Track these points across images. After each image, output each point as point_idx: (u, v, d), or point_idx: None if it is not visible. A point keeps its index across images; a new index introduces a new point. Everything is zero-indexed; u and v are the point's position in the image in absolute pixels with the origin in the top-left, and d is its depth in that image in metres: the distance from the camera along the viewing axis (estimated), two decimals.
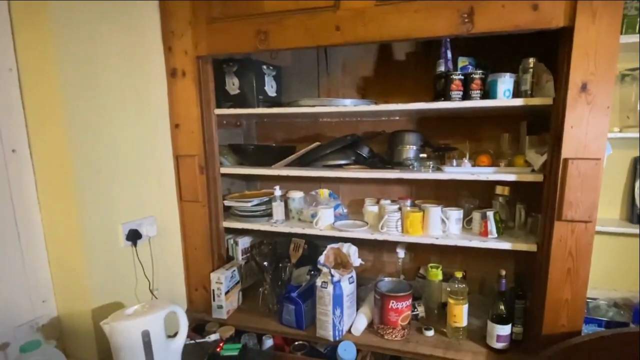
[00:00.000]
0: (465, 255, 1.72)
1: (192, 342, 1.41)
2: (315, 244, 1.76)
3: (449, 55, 1.44)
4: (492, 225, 1.39)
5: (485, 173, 1.37)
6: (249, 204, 1.68)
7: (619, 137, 1.38)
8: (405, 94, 1.65)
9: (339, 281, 1.41)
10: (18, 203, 1.17)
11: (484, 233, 1.41)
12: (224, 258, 1.75)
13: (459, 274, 1.42)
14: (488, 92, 1.34)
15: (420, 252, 1.81)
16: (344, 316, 1.44)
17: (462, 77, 1.34)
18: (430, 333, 1.45)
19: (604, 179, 1.17)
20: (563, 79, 1.16)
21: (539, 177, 1.29)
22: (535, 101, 1.25)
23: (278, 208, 1.66)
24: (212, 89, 1.58)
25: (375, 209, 1.64)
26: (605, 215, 1.55)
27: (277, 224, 1.66)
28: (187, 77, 1.51)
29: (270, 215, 1.70)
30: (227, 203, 1.72)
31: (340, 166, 1.64)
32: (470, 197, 1.58)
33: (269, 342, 1.55)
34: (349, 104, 1.50)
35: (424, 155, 1.56)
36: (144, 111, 1.46)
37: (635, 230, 1.45)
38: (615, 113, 1.43)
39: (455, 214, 1.46)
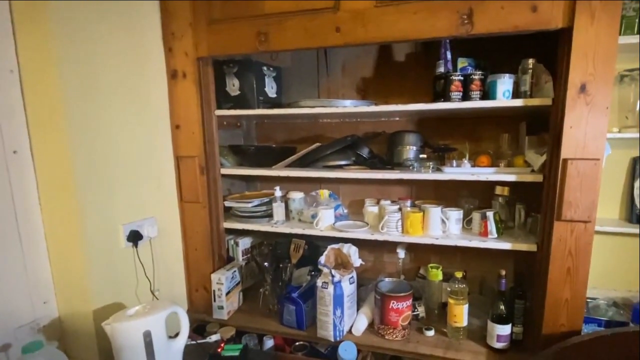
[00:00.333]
0: (465, 255, 1.73)
1: (193, 342, 1.41)
2: (315, 245, 1.76)
3: (449, 56, 1.44)
4: (491, 226, 1.40)
5: (485, 173, 1.37)
6: (250, 205, 1.69)
7: (618, 137, 1.38)
8: (405, 95, 1.65)
9: (339, 281, 1.41)
10: (19, 204, 1.17)
11: (484, 233, 1.42)
12: (224, 259, 1.75)
13: (459, 274, 1.43)
14: (487, 92, 1.34)
15: (421, 253, 1.81)
16: (344, 316, 1.44)
17: (462, 78, 1.34)
18: (431, 333, 1.45)
19: (603, 179, 1.18)
20: (562, 79, 1.17)
21: (538, 178, 1.30)
22: (535, 102, 1.26)
23: (278, 209, 1.67)
24: (212, 90, 1.59)
25: (375, 209, 1.64)
26: (605, 215, 1.56)
27: (278, 225, 1.66)
28: (188, 78, 1.52)
29: (270, 216, 1.70)
30: (227, 204, 1.72)
31: (340, 167, 1.65)
32: (470, 197, 1.59)
33: (269, 343, 1.56)
34: (349, 105, 1.51)
35: (424, 155, 1.56)
36: (145, 112, 1.46)
37: (634, 230, 1.46)
38: (614, 113, 1.44)
39: (455, 214, 1.47)
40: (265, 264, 1.66)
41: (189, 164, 1.59)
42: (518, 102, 1.28)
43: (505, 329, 1.34)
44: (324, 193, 1.77)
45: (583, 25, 1.10)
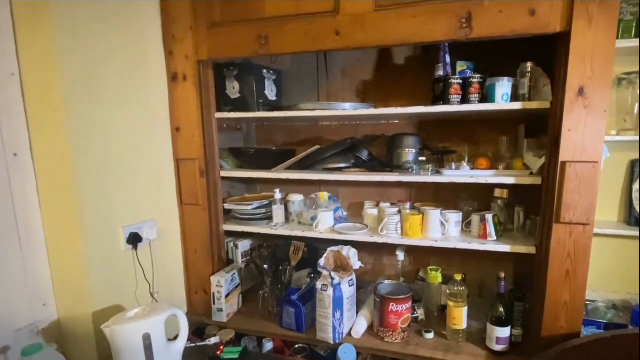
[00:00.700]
0: (464, 257, 1.73)
1: (193, 345, 1.41)
2: (315, 247, 1.76)
3: (448, 59, 1.45)
4: (491, 228, 1.40)
5: (484, 176, 1.38)
6: (249, 207, 1.69)
7: (616, 140, 1.39)
8: (405, 98, 1.66)
9: (339, 284, 1.42)
10: (19, 206, 1.18)
11: (483, 236, 1.42)
12: (224, 261, 1.75)
13: (458, 277, 1.43)
14: (486, 95, 1.35)
15: (420, 255, 1.82)
16: (344, 319, 1.44)
17: (461, 81, 1.35)
18: (430, 336, 1.45)
19: (601, 181, 1.18)
20: (560, 83, 1.18)
21: (537, 180, 1.30)
22: (533, 105, 1.27)
23: (278, 211, 1.67)
24: (212, 93, 1.60)
25: (374, 211, 1.65)
26: (603, 218, 1.56)
27: (277, 227, 1.66)
28: (188, 81, 1.52)
29: (270, 218, 1.70)
30: (227, 206, 1.72)
31: (340, 169, 1.65)
32: (469, 199, 1.59)
33: (269, 345, 1.55)
34: (348, 108, 1.51)
35: (423, 158, 1.57)
36: (145, 115, 1.47)
37: (632, 233, 1.46)
38: (612, 116, 1.44)
39: (454, 217, 1.47)
40: (265, 266, 1.66)
41: (189, 166, 1.59)
42: (517, 105, 1.29)
43: (504, 332, 1.34)
44: (324, 195, 1.77)
45: (581, 29, 1.11)
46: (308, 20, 1.35)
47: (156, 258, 1.52)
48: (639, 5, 1.30)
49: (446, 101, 1.36)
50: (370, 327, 1.51)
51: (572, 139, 1.17)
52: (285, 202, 1.72)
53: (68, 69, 1.17)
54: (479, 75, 1.34)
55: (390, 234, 1.51)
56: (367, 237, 1.53)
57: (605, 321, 1.43)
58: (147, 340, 1.13)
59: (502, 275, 1.36)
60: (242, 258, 1.84)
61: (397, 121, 1.77)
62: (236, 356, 1.30)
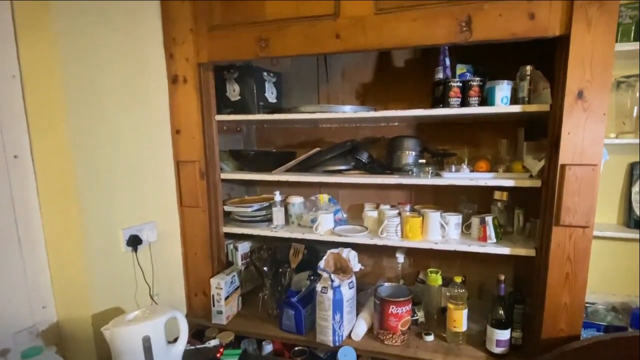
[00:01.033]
0: (464, 260, 1.73)
1: (192, 347, 1.41)
2: (315, 249, 1.76)
3: (448, 62, 1.46)
4: (490, 230, 1.40)
5: (484, 178, 1.38)
6: (249, 209, 1.69)
7: (616, 143, 1.39)
8: (404, 101, 1.67)
9: (338, 286, 1.41)
10: (19, 208, 1.18)
11: (483, 238, 1.42)
12: (223, 263, 1.75)
13: (458, 279, 1.43)
14: (486, 98, 1.36)
15: (420, 257, 1.82)
16: (343, 321, 1.44)
17: (461, 84, 1.35)
18: (430, 338, 1.45)
19: (601, 184, 1.18)
20: (560, 86, 1.18)
21: (536, 183, 1.30)
22: (533, 108, 1.27)
23: (278, 213, 1.67)
24: (213, 95, 1.60)
25: (374, 214, 1.65)
26: (603, 220, 1.56)
27: (277, 229, 1.66)
28: (189, 83, 1.53)
29: (270, 220, 1.70)
30: (227, 208, 1.72)
31: (340, 171, 1.65)
32: (469, 202, 1.60)
33: (268, 348, 1.55)
34: (348, 111, 1.52)
35: (423, 160, 1.57)
36: (145, 117, 1.47)
37: (632, 235, 1.46)
38: (611, 119, 1.45)
39: (454, 219, 1.47)
40: (265, 268, 1.66)
41: (189, 168, 1.59)
42: (516, 108, 1.29)
43: (504, 334, 1.34)
44: (324, 197, 1.77)
45: (580, 32, 1.12)
46: (308, 23, 1.35)
47: (156, 260, 1.52)
48: (637, 9, 1.30)
49: (446, 104, 1.37)
50: (370, 330, 1.51)
51: (571, 141, 1.17)
52: (285, 204, 1.72)
53: (69, 71, 1.17)
54: (478, 78, 1.35)
55: (390, 236, 1.51)
56: (367, 239, 1.53)
57: (604, 323, 1.43)
58: (146, 343, 1.13)
59: (502, 277, 1.36)
60: (241, 260, 1.84)
61: (397, 123, 1.77)
62: (236, 358, 1.30)
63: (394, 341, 1.43)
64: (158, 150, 1.54)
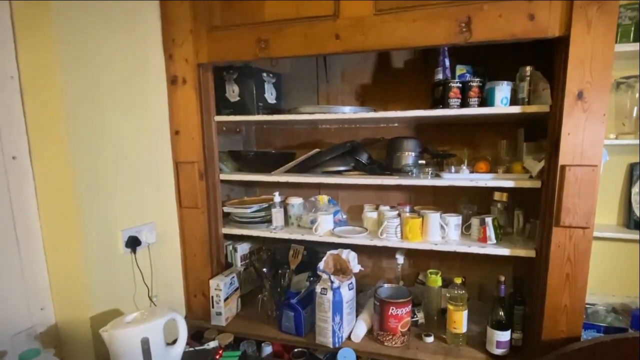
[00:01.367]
0: (464, 261, 1.73)
1: (191, 349, 1.40)
2: (314, 250, 1.76)
3: (447, 63, 1.46)
4: (490, 231, 1.40)
5: (484, 179, 1.38)
6: (248, 211, 1.68)
7: (615, 143, 1.39)
8: (404, 101, 1.67)
9: (338, 287, 1.41)
10: (18, 210, 1.17)
11: (483, 239, 1.42)
12: (223, 264, 1.74)
13: (458, 280, 1.42)
14: (486, 99, 1.36)
15: (420, 258, 1.81)
16: (343, 323, 1.44)
17: (460, 85, 1.35)
18: (430, 339, 1.45)
19: (600, 185, 1.18)
20: (559, 87, 1.18)
21: (536, 184, 1.30)
22: (532, 109, 1.27)
23: (277, 214, 1.67)
24: (212, 96, 1.59)
25: (374, 215, 1.64)
26: (603, 221, 1.56)
27: (277, 230, 1.66)
28: (188, 84, 1.52)
29: (269, 221, 1.70)
30: (226, 209, 1.72)
31: (339, 172, 1.65)
32: (469, 203, 1.59)
33: (268, 349, 1.55)
34: (348, 112, 1.51)
35: (423, 161, 1.57)
36: (145, 118, 1.46)
37: (632, 236, 1.46)
38: (610, 120, 1.45)
39: (454, 220, 1.47)
40: (264, 269, 1.66)
41: (188, 169, 1.59)
42: (516, 109, 1.29)
43: (504, 335, 1.33)
44: (323, 198, 1.77)
45: (580, 33, 1.12)
46: (308, 23, 1.35)
47: (155, 261, 1.51)
48: (637, 9, 1.30)
49: (446, 105, 1.37)
50: (370, 331, 1.51)
51: (571, 142, 1.17)
52: (284, 205, 1.72)
53: (68, 72, 1.17)
54: (478, 79, 1.35)
55: (390, 237, 1.51)
56: (367, 240, 1.53)
57: (605, 324, 1.42)
58: (145, 345, 1.13)
59: (502, 278, 1.36)
60: (241, 261, 1.83)
61: (396, 124, 1.77)
62: None
63: (393, 342, 1.42)
64: (157, 151, 1.54)
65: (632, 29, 1.30)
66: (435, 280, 1.56)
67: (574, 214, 1.19)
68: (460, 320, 1.40)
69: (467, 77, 1.45)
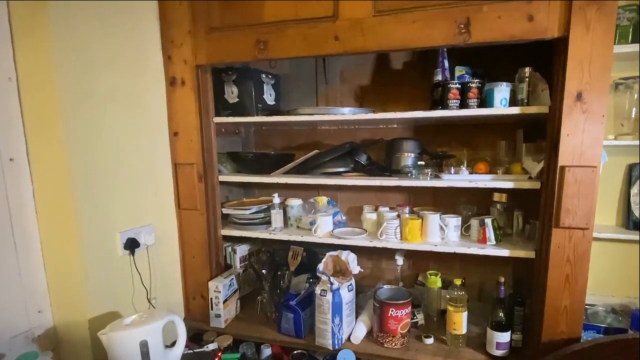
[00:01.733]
0: (464, 262, 1.73)
1: (190, 351, 1.40)
2: (313, 252, 1.75)
3: (446, 64, 1.46)
4: (490, 232, 1.40)
5: (483, 180, 1.38)
6: (248, 212, 1.68)
7: (614, 144, 1.39)
8: (403, 103, 1.66)
9: (338, 289, 1.41)
10: (15, 212, 1.16)
11: (483, 240, 1.42)
12: (222, 266, 1.74)
13: (457, 281, 1.42)
14: (485, 100, 1.36)
15: (419, 259, 1.81)
16: (343, 324, 1.43)
17: (459, 86, 1.35)
18: (430, 341, 1.45)
19: (599, 186, 1.18)
20: (558, 88, 1.18)
21: (536, 185, 1.30)
22: (532, 109, 1.27)
23: (277, 216, 1.66)
24: (211, 97, 1.59)
25: (373, 216, 1.64)
26: (602, 222, 1.56)
27: (276, 232, 1.65)
28: (187, 85, 1.52)
29: (268, 222, 1.69)
30: (225, 211, 1.71)
31: (338, 174, 1.65)
32: (468, 204, 1.59)
33: (267, 351, 1.54)
34: (347, 113, 1.51)
35: (422, 162, 1.56)
36: (143, 119, 1.46)
37: (631, 237, 1.46)
38: (609, 121, 1.45)
39: (453, 221, 1.47)
40: (263, 271, 1.65)
41: (187, 171, 1.58)
42: (515, 110, 1.29)
43: (504, 337, 1.33)
44: (323, 200, 1.77)
45: (578, 34, 1.12)
46: (307, 25, 1.35)
47: (154, 263, 1.51)
48: (635, 11, 1.31)
49: (445, 106, 1.37)
50: (370, 333, 1.50)
51: (570, 143, 1.17)
52: (283, 207, 1.71)
53: (66, 74, 1.16)
54: (477, 80, 1.35)
55: (389, 239, 1.50)
56: (366, 241, 1.52)
57: (604, 325, 1.42)
58: (144, 347, 1.12)
59: (502, 279, 1.36)
60: (240, 263, 1.83)
61: (395, 125, 1.77)
62: None
63: (393, 344, 1.42)
64: (156, 152, 1.53)
65: (631, 30, 1.31)
66: (435, 281, 1.56)
67: (573, 215, 1.19)
68: (460, 322, 1.40)
69: (466, 78, 1.45)
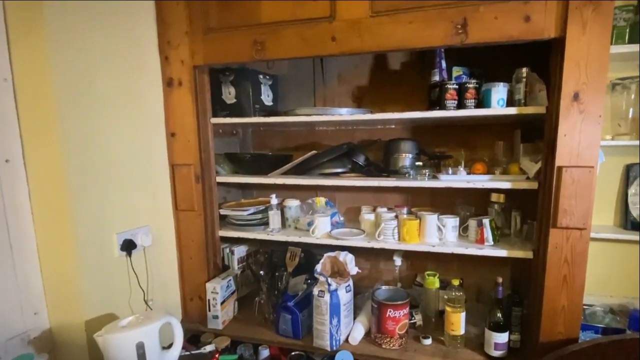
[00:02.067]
0: (461, 262, 1.72)
1: (187, 353, 1.39)
2: (311, 253, 1.75)
3: (444, 65, 1.46)
4: (488, 233, 1.40)
5: (481, 181, 1.38)
6: (245, 213, 1.68)
7: (611, 144, 1.40)
8: (401, 103, 1.66)
9: (335, 290, 1.40)
10: (11, 213, 1.16)
11: (480, 240, 1.42)
12: (219, 267, 1.73)
13: (455, 282, 1.42)
14: (482, 101, 1.36)
15: (417, 260, 1.81)
16: (341, 325, 1.43)
17: (457, 87, 1.35)
18: (428, 342, 1.44)
19: (597, 186, 1.18)
20: (555, 88, 1.18)
21: (533, 185, 1.30)
22: (529, 110, 1.27)
23: (274, 217, 1.66)
24: (208, 98, 1.59)
25: (371, 217, 1.64)
26: (599, 222, 1.57)
27: (274, 233, 1.65)
28: (184, 86, 1.52)
29: (266, 223, 1.69)
30: (222, 212, 1.71)
31: (336, 174, 1.64)
32: (466, 204, 1.59)
33: (265, 353, 1.53)
34: (344, 113, 1.51)
35: (420, 163, 1.57)
36: (140, 120, 1.46)
37: (629, 237, 1.47)
38: (606, 121, 1.46)
39: (451, 222, 1.47)
40: (261, 272, 1.65)
41: (184, 172, 1.58)
42: (512, 110, 1.29)
43: (502, 337, 1.33)
44: (320, 200, 1.77)
45: (575, 35, 1.12)
46: (304, 25, 1.35)
47: (150, 265, 1.50)
48: (631, 11, 1.31)
49: (442, 106, 1.37)
50: (368, 334, 1.50)
51: (567, 143, 1.17)
52: (281, 208, 1.71)
53: (62, 75, 1.16)
54: (474, 81, 1.35)
55: (387, 239, 1.50)
56: (364, 242, 1.52)
57: (602, 326, 1.42)
58: (140, 349, 1.12)
59: (500, 280, 1.35)
60: (237, 264, 1.82)
61: (393, 126, 1.77)
62: None
63: (391, 345, 1.42)
64: (153, 153, 1.53)
65: (627, 30, 1.31)
66: (433, 282, 1.56)
67: (571, 215, 1.19)
68: (458, 322, 1.39)
69: (463, 78, 1.45)
